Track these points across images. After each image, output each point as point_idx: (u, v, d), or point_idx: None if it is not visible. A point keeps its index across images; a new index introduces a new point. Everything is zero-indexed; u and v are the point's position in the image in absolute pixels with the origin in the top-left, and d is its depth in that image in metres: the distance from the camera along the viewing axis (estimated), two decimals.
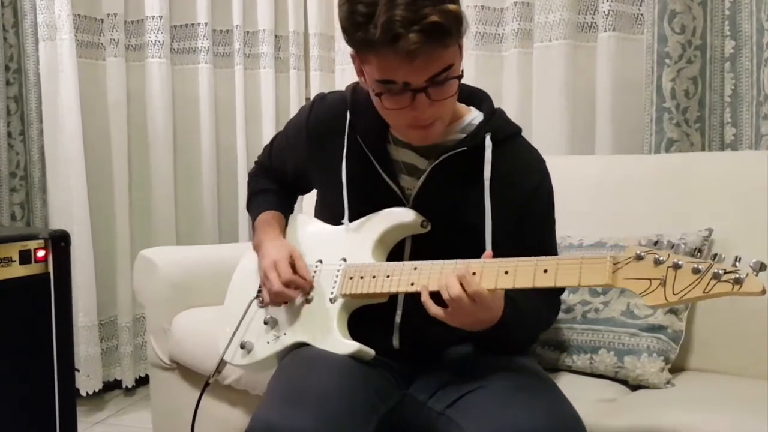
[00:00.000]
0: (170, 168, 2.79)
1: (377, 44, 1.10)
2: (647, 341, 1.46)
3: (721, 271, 0.96)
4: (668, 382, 1.44)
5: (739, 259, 0.96)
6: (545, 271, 1.09)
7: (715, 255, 0.98)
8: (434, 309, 1.13)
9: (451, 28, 1.10)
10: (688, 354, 1.55)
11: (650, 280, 1.00)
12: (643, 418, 1.23)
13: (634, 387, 1.46)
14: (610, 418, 1.25)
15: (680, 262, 0.99)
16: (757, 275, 0.94)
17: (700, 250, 1.00)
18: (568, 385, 1.21)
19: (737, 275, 0.94)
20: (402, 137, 1.29)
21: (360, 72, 1.23)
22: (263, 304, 1.37)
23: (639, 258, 1.02)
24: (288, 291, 1.29)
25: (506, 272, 1.11)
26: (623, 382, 1.48)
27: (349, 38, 1.15)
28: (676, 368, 1.52)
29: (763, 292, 0.94)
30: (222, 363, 1.40)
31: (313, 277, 1.33)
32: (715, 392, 1.39)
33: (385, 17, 1.07)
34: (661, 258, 1.00)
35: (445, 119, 1.23)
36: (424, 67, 1.12)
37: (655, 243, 1.03)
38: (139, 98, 2.76)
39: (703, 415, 1.21)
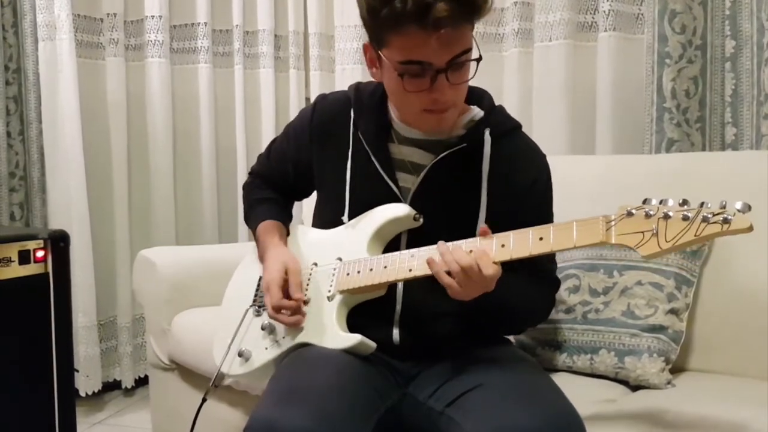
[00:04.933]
0: (170, 168, 2.79)
1: (405, 18, 1.12)
2: (648, 342, 1.46)
3: (709, 215, 0.99)
4: (669, 383, 1.44)
5: (726, 203, 0.99)
6: (540, 238, 1.10)
7: (702, 202, 1.01)
8: (446, 279, 1.12)
9: (479, 2, 1.14)
10: (689, 354, 1.55)
11: (642, 232, 1.03)
12: (644, 419, 1.23)
13: (635, 387, 1.46)
14: (611, 419, 1.25)
15: (670, 213, 1.02)
16: (743, 215, 0.97)
17: (687, 201, 1.02)
18: (568, 385, 1.21)
19: (725, 216, 0.97)
20: (415, 125, 1.30)
21: (372, 63, 1.25)
22: (259, 313, 1.38)
23: (630, 214, 1.05)
24: (279, 316, 1.29)
25: (503, 245, 1.12)
26: (624, 382, 1.48)
27: (373, 17, 1.17)
28: (677, 369, 1.52)
29: (751, 228, 0.97)
30: (219, 376, 1.39)
31: (308, 281, 1.34)
32: (716, 393, 1.39)
33: None
34: (650, 211, 1.03)
35: (459, 106, 1.27)
36: (448, 44, 1.15)
37: (644, 201, 1.06)
38: (139, 98, 2.76)
39: (704, 416, 1.21)
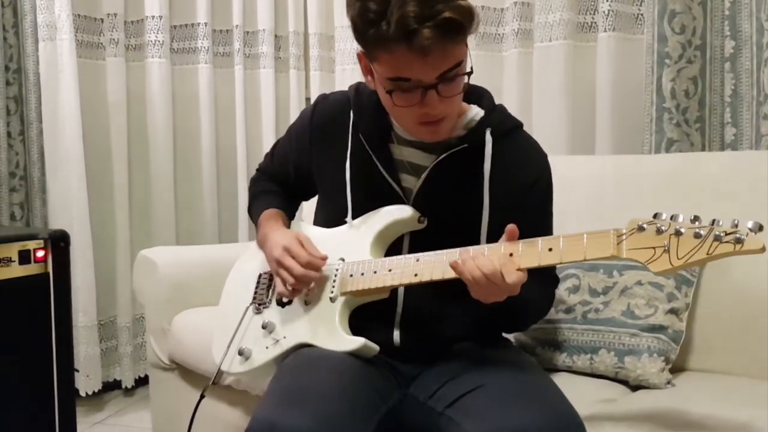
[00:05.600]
0: (170, 168, 2.79)
1: (390, 41, 1.11)
2: (648, 341, 1.46)
3: (722, 234, 0.98)
4: (668, 383, 1.44)
5: (738, 222, 0.98)
6: (550, 249, 1.10)
7: (714, 220, 1.00)
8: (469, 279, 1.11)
9: (465, 24, 1.12)
10: (689, 354, 1.55)
11: (654, 248, 1.02)
12: (644, 419, 1.23)
13: (635, 387, 1.46)
14: (611, 419, 1.25)
15: (681, 229, 1.01)
16: (756, 235, 0.97)
17: (698, 218, 1.02)
18: (568, 385, 1.21)
19: (738, 235, 0.97)
20: (411, 134, 1.29)
21: (367, 71, 1.24)
22: (259, 311, 1.37)
23: (641, 229, 1.04)
24: (310, 272, 1.26)
25: (511, 254, 1.11)
26: (623, 382, 1.48)
27: (361, 36, 1.16)
28: (677, 368, 1.52)
29: (764, 249, 0.97)
30: (219, 374, 1.39)
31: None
32: (716, 393, 1.39)
33: (399, 14, 1.08)
34: (662, 227, 1.02)
35: (453, 116, 1.25)
36: (436, 64, 1.13)
37: (655, 216, 1.05)
38: (139, 98, 2.76)
39: (704, 416, 1.21)
